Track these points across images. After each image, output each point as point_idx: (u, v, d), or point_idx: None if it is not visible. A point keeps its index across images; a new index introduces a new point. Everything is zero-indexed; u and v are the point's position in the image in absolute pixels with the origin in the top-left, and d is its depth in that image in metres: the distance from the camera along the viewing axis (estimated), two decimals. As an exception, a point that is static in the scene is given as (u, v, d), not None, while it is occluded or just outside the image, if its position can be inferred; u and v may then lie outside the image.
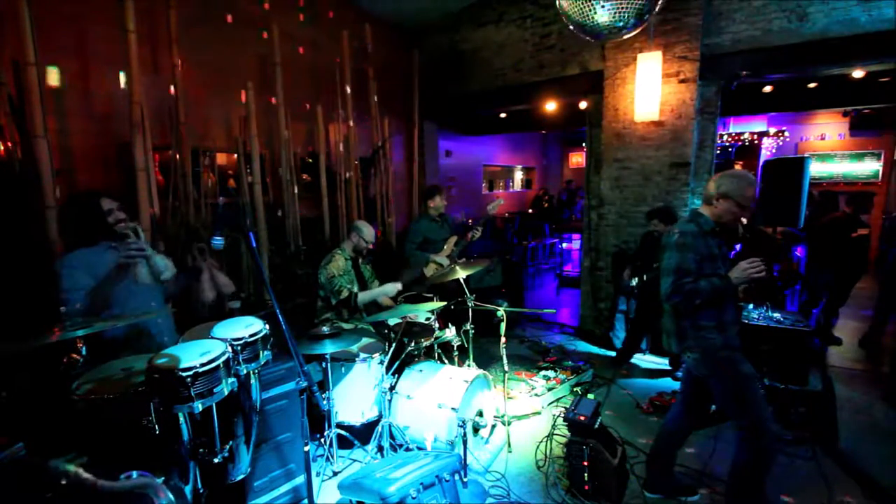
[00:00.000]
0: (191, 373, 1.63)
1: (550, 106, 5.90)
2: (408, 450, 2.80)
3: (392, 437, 2.86)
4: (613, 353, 4.63)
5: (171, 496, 0.50)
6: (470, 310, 3.28)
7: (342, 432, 2.84)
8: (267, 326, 2.08)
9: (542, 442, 2.97)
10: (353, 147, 5.09)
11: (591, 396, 3.49)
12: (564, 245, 9.20)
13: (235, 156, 4.17)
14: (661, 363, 4.42)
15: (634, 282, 4.30)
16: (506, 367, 3.13)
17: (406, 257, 4.31)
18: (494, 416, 3.16)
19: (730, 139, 10.36)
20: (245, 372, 1.95)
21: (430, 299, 3.61)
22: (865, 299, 5.73)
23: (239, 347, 1.92)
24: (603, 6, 2.47)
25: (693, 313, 2.20)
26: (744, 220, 2.29)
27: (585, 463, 2.49)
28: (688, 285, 2.13)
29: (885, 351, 4.41)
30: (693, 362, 2.29)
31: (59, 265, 2.12)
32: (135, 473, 1.08)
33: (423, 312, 3.21)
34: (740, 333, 2.29)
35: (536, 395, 3.59)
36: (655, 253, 3.93)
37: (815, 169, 9.98)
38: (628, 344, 4.43)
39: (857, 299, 5.67)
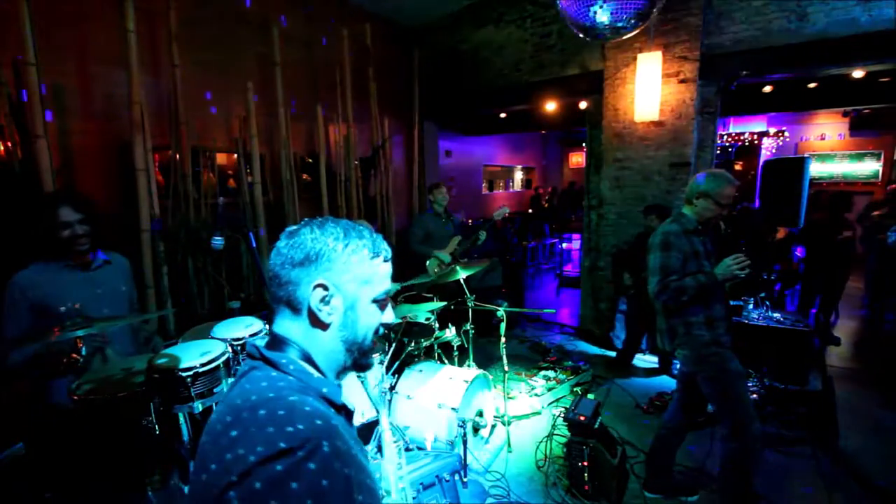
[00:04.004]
0: (191, 373, 1.64)
1: (550, 106, 5.90)
2: (408, 450, 2.80)
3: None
4: (614, 354, 4.63)
5: None
6: (470, 310, 3.28)
7: (342, 432, 2.83)
8: (267, 326, 2.08)
9: (542, 442, 2.97)
10: (353, 147, 5.09)
11: (591, 396, 3.49)
12: (564, 245, 9.19)
13: (235, 156, 4.17)
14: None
15: (627, 279, 4.30)
16: (506, 367, 3.13)
17: (410, 250, 4.31)
18: (494, 416, 3.16)
19: (730, 139, 10.36)
20: (245, 372, 1.95)
21: (430, 299, 3.61)
22: (863, 298, 5.72)
23: (239, 347, 1.93)
24: (603, 6, 2.47)
25: (682, 311, 2.23)
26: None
27: (585, 463, 2.50)
28: (673, 283, 2.16)
29: (884, 351, 4.41)
30: (683, 359, 2.31)
31: (8, 285, 1.81)
32: None
33: (422, 312, 3.21)
34: (738, 333, 2.30)
35: (536, 395, 3.59)
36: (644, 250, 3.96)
37: (815, 169, 9.99)
38: (628, 344, 4.44)
39: (855, 299, 5.67)
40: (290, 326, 0.79)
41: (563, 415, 2.71)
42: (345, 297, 0.78)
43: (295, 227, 0.79)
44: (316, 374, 0.76)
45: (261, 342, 0.80)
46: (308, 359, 0.77)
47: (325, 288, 0.76)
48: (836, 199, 5.03)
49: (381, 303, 0.83)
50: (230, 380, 1.80)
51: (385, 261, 0.83)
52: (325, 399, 0.72)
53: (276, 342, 0.78)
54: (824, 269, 4.75)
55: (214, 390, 1.71)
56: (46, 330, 1.67)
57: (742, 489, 2.22)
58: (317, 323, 0.78)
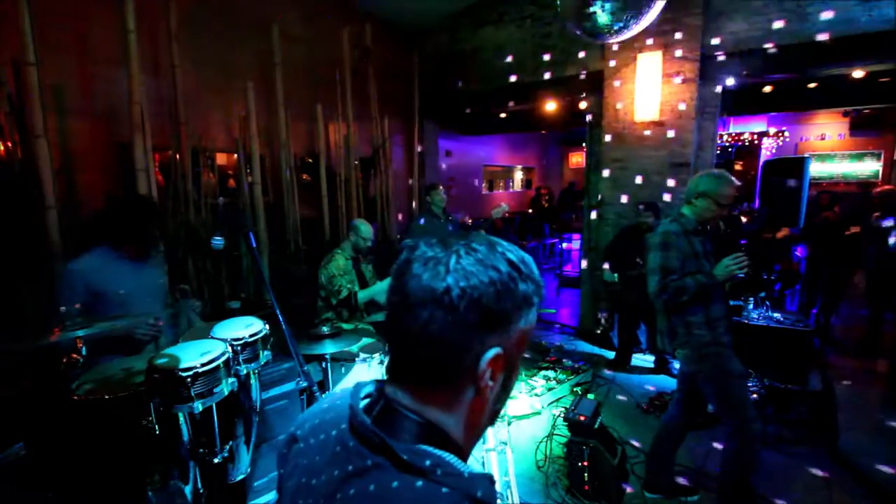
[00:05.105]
0: (191, 373, 1.63)
1: (550, 106, 5.90)
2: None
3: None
4: (613, 354, 4.63)
5: None
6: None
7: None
8: (267, 326, 2.08)
9: (542, 442, 2.97)
10: (353, 147, 5.09)
11: (591, 396, 3.49)
12: (564, 245, 9.18)
13: (235, 156, 4.17)
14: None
15: (615, 277, 4.27)
16: (506, 367, 3.12)
17: None
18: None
19: (730, 139, 10.36)
20: (245, 372, 1.95)
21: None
22: (863, 298, 5.72)
23: (239, 347, 1.93)
24: (603, 7, 2.48)
25: (681, 311, 2.23)
26: (744, 220, 2.33)
27: (585, 463, 2.50)
28: (673, 283, 2.16)
29: (884, 350, 4.40)
30: (683, 359, 2.31)
31: (67, 268, 2.10)
32: None
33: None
34: (738, 332, 2.30)
35: (536, 395, 3.59)
36: (638, 247, 3.92)
37: (815, 169, 9.99)
38: (622, 342, 4.42)
39: (855, 299, 5.66)
40: (422, 393, 0.59)
41: (563, 415, 2.71)
42: (510, 365, 0.60)
43: (443, 254, 0.56)
44: (462, 465, 0.57)
45: (362, 395, 0.63)
46: (442, 435, 0.58)
47: (499, 362, 0.57)
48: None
49: None
50: (230, 380, 1.80)
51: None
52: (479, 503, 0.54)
53: (394, 414, 0.58)
54: (830, 267, 4.75)
55: (214, 390, 1.71)
56: (99, 313, 1.96)
57: (742, 489, 2.23)
58: (476, 400, 0.59)
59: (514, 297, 0.56)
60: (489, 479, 0.57)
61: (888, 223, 4.19)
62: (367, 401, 0.63)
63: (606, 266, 4.37)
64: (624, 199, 4.68)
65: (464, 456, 0.61)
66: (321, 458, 0.62)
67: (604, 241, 4.91)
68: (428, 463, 0.54)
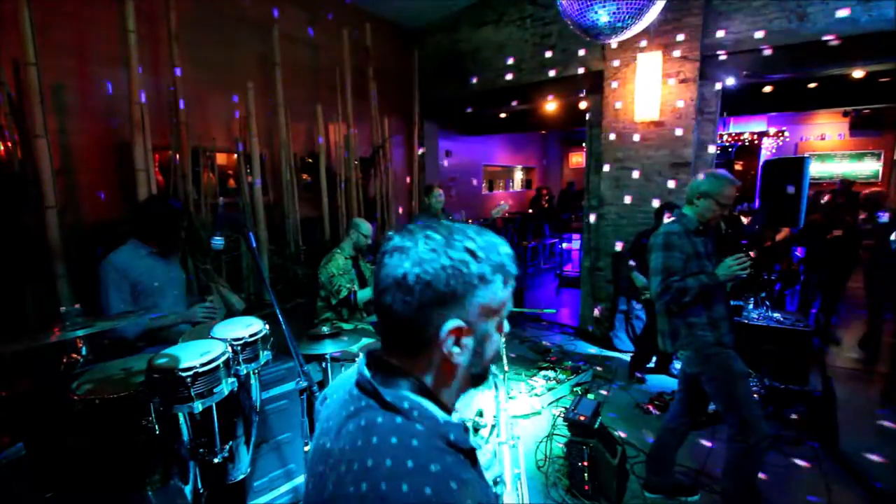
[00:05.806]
0: (191, 373, 1.63)
1: (550, 106, 5.90)
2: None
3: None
4: (613, 353, 4.62)
5: None
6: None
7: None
8: (267, 326, 2.08)
9: (542, 442, 2.97)
10: (353, 147, 5.09)
11: (590, 396, 3.49)
12: (564, 245, 9.19)
13: (235, 156, 4.17)
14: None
15: (644, 279, 4.12)
16: (506, 367, 3.13)
17: None
18: (494, 416, 3.16)
19: (730, 139, 10.36)
20: (245, 372, 1.95)
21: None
22: (863, 299, 5.72)
23: (239, 347, 1.93)
24: (604, 6, 2.48)
25: (683, 311, 2.23)
26: (745, 220, 2.32)
27: (585, 463, 2.50)
28: (676, 284, 2.16)
29: (885, 351, 4.40)
30: (686, 360, 2.31)
31: (108, 259, 2.23)
32: None
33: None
34: (738, 332, 2.30)
35: (536, 395, 3.59)
36: None
37: (815, 169, 10.00)
38: (643, 351, 4.15)
39: (855, 299, 5.67)
40: (406, 358, 0.71)
41: (563, 415, 2.71)
42: (476, 334, 0.70)
43: (409, 243, 0.66)
44: (439, 413, 0.68)
45: (361, 361, 0.75)
46: (426, 390, 0.70)
47: (461, 331, 0.67)
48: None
49: (501, 325, 0.77)
50: (230, 380, 1.80)
51: (514, 283, 0.75)
52: (452, 445, 0.65)
53: (389, 372, 0.71)
54: (821, 268, 4.76)
55: (214, 390, 1.71)
56: (144, 305, 2.22)
57: (746, 489, 2.22)
58: (445, 363, 0.70)
59: (464, 278, 0.65)
60: (463, 427, 0.67)
61: (883, 218, 4.20)
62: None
63: (632, 263, 4.07)
64: (627, 199, 4.67)
65: (447, 410, 0.72)
66: (336, 405, 0.75)
67: (604, 241, 4.91)
68: (406, 405, 0.66)
